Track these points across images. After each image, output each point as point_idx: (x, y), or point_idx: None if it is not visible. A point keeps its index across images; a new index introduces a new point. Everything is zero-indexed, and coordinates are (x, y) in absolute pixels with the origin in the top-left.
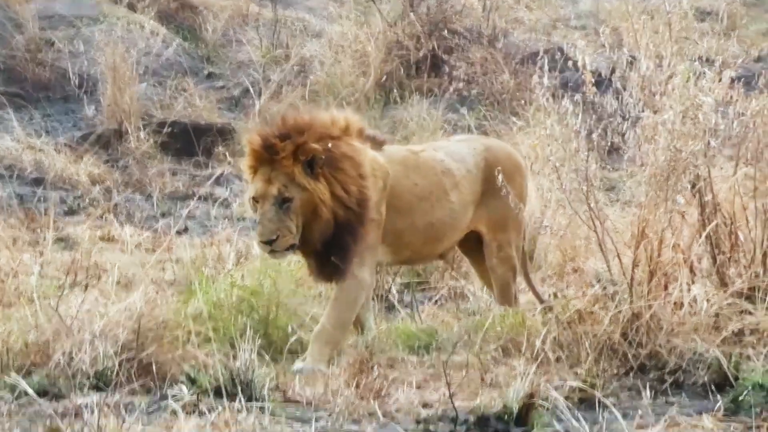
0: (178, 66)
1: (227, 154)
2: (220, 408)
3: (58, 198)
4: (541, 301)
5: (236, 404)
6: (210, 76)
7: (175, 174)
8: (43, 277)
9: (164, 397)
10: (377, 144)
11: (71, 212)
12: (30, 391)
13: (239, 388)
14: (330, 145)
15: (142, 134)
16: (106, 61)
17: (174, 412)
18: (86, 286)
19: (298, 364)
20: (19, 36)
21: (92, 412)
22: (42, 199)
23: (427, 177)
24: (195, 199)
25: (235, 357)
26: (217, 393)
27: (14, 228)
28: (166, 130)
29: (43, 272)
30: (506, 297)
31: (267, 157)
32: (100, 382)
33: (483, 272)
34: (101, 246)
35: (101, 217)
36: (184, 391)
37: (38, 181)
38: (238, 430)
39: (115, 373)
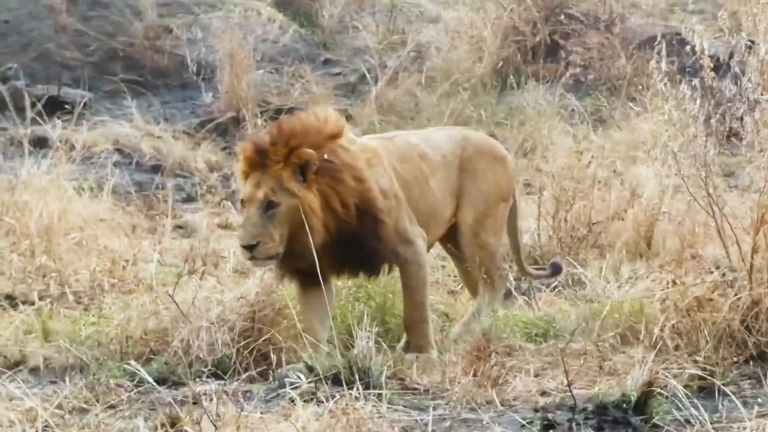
0: (295, 52)
1: None
2: (337, 396)
3: (176, 185)
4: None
5: (354, 392)
6: (326, 62)
7: None
8: (162, 265)
9: (282, 384)
10: None
11: (189, 199)
12: (149, 378)
13: (357, 376)
14: (326, 155)
15: (259, 121)
16: (223, 48)
17: (292, 400)
18: (203, 273)
19: (410, 357)
20: (138, 23)
21: (211, 399)
22: (160, 186)
23: (408, 162)
24: None
25: (352, 345)
26: (335, 381)
27: (133, 215)
28: (282, 116)
29: (161, 259)
30: (487, 279)
31: (259, 161)
32: (218, 370)
33: (466, 271)
34: (219, 233)
35: (219, 204)
36: (302, 378)
37: (156, 168)
38: (355, 418)
39: (232, 360)
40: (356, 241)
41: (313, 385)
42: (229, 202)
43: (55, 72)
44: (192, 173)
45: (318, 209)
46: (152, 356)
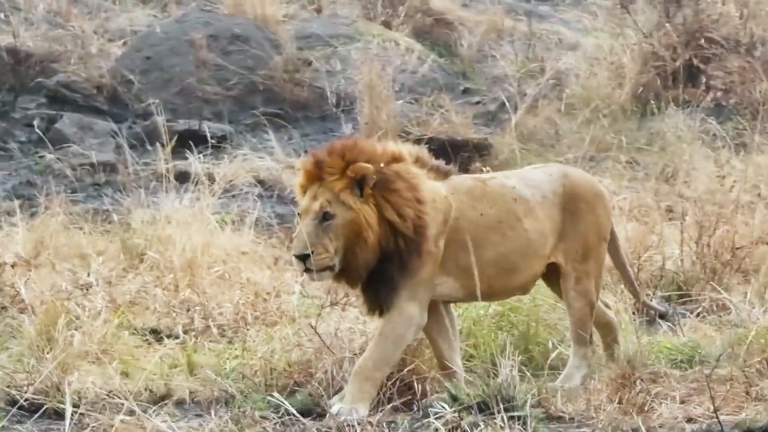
0: (434, 82)
1: (484, 168)
2: (482, 425)
3: None
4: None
5: (498, 421)
6: (465, 91)
7: None
8: (304, 296)
9: (426, 414)
10: (441, 174)
11: None
12: (293, 410)
13: (501, 405)
14: (382, 165)
15: None
16: (362, 79)
17: (436, 430)
18: (345, 305)
19: (336, 405)
20: (277, 57)
21: (355, 430)
22: None
23: (496, 205)
24: None
25: (495, 373)
26: (479, 409)
27: (275, 247)
28: (423, 146)
29: (303, 291)
30: (581, 335)
31: (316, 174)
32: None
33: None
34: None
35: None
36: (446, 408)
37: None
38: None
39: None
40: (382, 262)
41: (457, 414)
42: None
43: (197, 106)
44: None
45: (374, 224)
46: (296, 388)
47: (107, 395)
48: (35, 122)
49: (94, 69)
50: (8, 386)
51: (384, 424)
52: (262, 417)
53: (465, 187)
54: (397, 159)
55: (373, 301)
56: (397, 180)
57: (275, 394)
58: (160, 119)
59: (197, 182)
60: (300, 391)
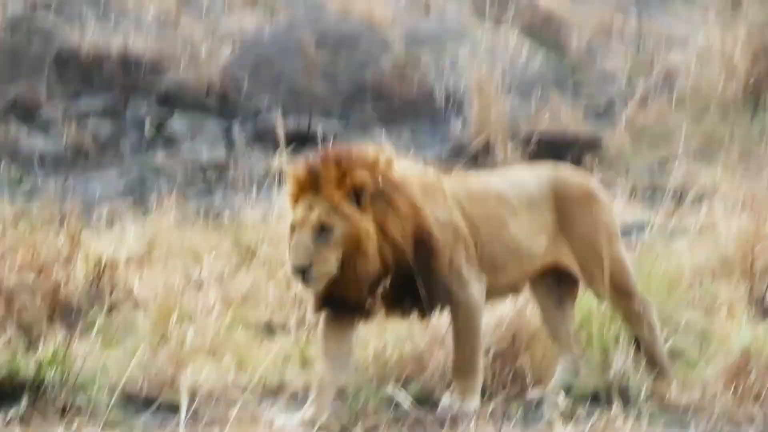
0: (543, 79)
1: (595, 165)
2: (596, 415)
3: None
4: None
5: (612, 411)
6: (575, 88)
7: None
8: None
9: (539, 404)
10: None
11: None
12: (406, 402)
13: (615, 395)
14: (380, 178)
15: (509, 148)
16: (471, 76)
17: (550, 420)
18: None
19: (446, 402)
20: (386, 56)
21: (470, 420)
22: None
23: (480, 203)
24: None
25: (609, 364)
26: (593, 400)
27: None
28: (533, 143)
29: None
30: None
31: (310, 184)
32: None
33: (550, 318)
34: None
35: None
36: (560, 398)
37: None
38: None
39: (490, 380)
40: (410, 276)
41: (570, 404)
42: None
43: (306, 105)
44: None
45: (373, 235)
46: (409, 379)
47: (221, 389)
48: (146, 123)
49: (204, 71)
50: (124, 380)
51: (497, 414)
52: (376, 409)
53: (450, 186)
54: (387, 164)
55: (398, 303)
56: (396, 196)
57: (389, 386)
58: (270, 119)
59: None
60: (413, 382)
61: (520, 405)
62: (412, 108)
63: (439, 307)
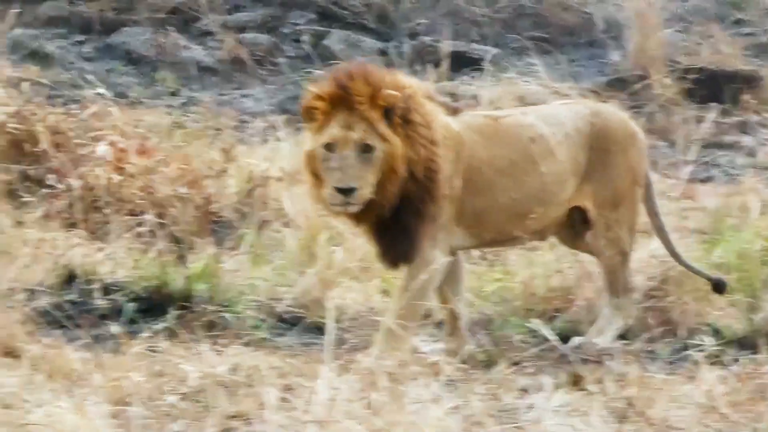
0: (705, 12)
1: (754, 101)
2: (742, 359)
3: None
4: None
5: (760, 356)
6: (737, 22)
7: (700, 121)
8: None
9: (686, 346)
10: (450, 111)
11: None
12: (551, 336)
13: (762, 340)
14: (407, 96)
15: (667, 81)
16: (631, 6)
17: (696, 362)
18: None
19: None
20: None
21: (614, 358)
22: None
23: (510, 146)
24: (720, 147)
25: (758, 308)
26: (741, 344)
27: None
28: (691, 76)
29: None
30: (614, 285)
31: (344, 100)
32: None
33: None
34: None
35: None
36: (707, 341)
37: None
38: (760, 383)
39: (637, 320)
40: (394, 217)
41: (718, 348)
42: None
43: (464, 28)
44: None
45: (404, 157)
46: (555, 314)
47: (367, 313)
48: (304, 38)
49: None
50: (270, 298)
51: (643, 354)
52: (521, 341)
53: (476, 126)
54: (409, 88)
55: (389, 251)
56: (414, 113)
57: (535, 319)
58: (427, 39)
59: (465, 104)
60: (559, 317)
61: (667, 345)
62: (570, 34)
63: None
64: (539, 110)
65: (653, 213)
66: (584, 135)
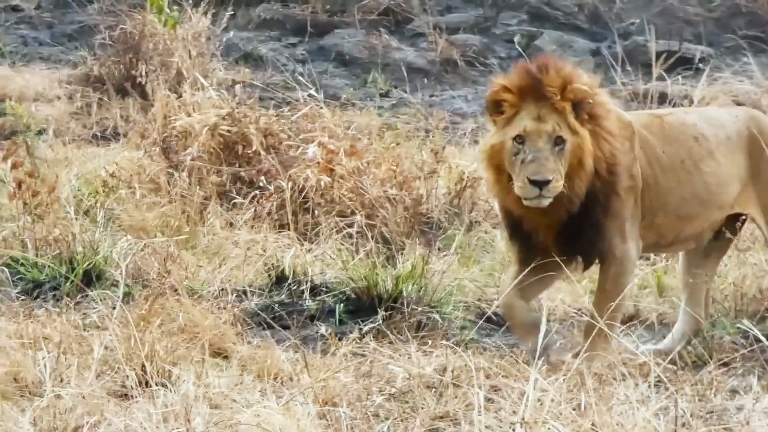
0: None
1: None
2: None
3: None
4: None
5: None
6: None
7: None
8: None
9: None
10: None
11: None
12: (762, 337)
13: None
14: (596, 92)
15: None
16: None
17: None
18: None
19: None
20: None
21: None
22: None
23: (676, 144)
24: None
25: None
26: None
27: None
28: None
29: None
30: None
31: (535, 92)
32: None
33: (691, 267)
34: None
35: None
36: None
37: None
38: None
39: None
40: (580, 216)
41: None
42: None
43: (677, 27)
44: None
45: (591, 151)
46: (766, 314)
47: (576, 313)
48: (516, 38)
49: None
50: (479, 299)
51: None
52: (731, 342)
53: (642, 122)
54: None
55: (577, 251)
56: (598, 107)
57: (744, 320)
58: (640, 39)
59: (674, 104)
60: None
61: None
62: None
63: (598, 260)
64: (700, 111)
65: None
66: (744, 138)
